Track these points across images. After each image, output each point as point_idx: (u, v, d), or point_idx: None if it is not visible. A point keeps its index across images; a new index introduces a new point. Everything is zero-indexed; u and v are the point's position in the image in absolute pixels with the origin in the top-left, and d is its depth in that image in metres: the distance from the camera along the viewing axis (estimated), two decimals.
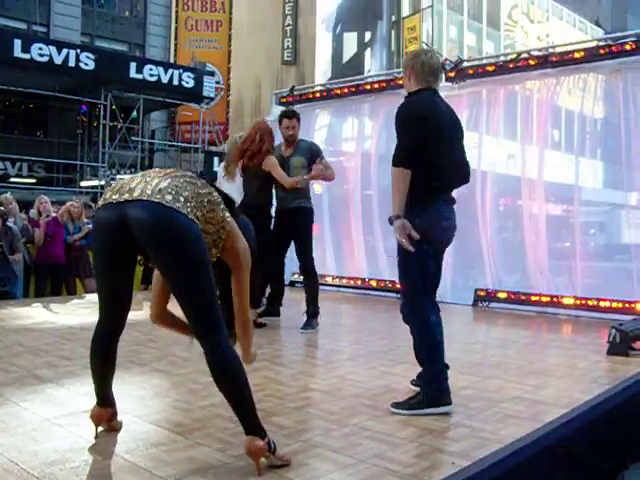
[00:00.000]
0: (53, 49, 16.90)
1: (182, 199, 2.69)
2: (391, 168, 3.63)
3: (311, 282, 6.54)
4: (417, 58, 3.85)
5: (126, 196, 2.72)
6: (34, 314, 6.94)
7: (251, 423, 2.73)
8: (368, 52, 31.42)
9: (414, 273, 3.74)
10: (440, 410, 3.60)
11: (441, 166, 3.70)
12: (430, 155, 3.64)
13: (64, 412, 3.45)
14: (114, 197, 2.75)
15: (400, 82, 8.98)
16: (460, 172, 3.95)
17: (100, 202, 2.83)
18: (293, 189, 6.16)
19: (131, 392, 3.80)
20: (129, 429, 3.18)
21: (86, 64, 17.26)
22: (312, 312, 6.26)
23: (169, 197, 2.67)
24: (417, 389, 3.86)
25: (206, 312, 2.74)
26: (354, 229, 9.47)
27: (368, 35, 31.46)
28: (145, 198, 2.67)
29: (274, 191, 6.43)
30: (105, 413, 3.06)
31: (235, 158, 6.21)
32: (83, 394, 3.65)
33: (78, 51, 17.40)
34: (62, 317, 6.71)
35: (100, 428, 3.07)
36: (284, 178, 6.07)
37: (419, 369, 3.91)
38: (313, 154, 6.37)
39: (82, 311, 7.23)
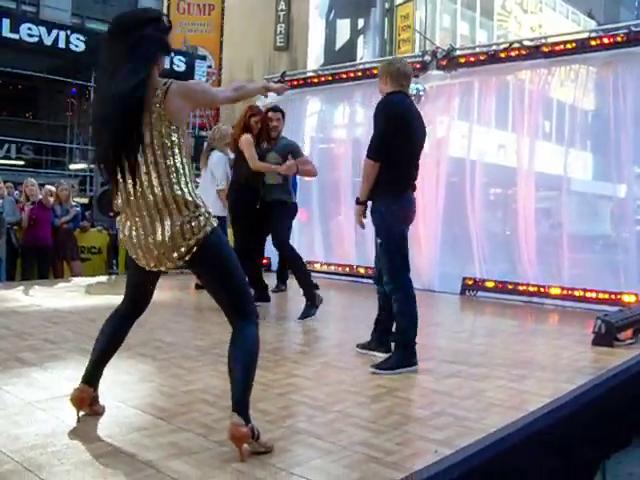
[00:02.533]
0: (43, 30, 16.71)
1: None
2: (364, 158, 4.37)
3: (294, 269, 6.55)
4: (393, 65, 4.59)
5: None
6: (20, 297, 6.91)
7: (243, 404, 2.72)
8: (361, 39, 31.26)
9: (396, 252, 4.41)
10: (412, 369, 4.25)
11: (411, 162, 4.48)
12: (404, 151, 4.38)
13: (47, 396, 3.43)
14: None
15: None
16: (416, 169, 4.61)
17: None
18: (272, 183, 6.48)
19: (115, 377, 3.78)
20: (112, 413, 3.17)
21: (76, 45, 17.09)
22: (307, 298, 6.18)
23: None
24: (362, 351, 4.69)
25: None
26: (344, 216, 9.45)
27: (361, 22, 31.29)
28: None
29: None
30: (86, 395, 3.04)
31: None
32: (66, 378, 3.63)
33: (68, 32, 17.21)
34: (48, 300, 6.67)
35: (82, 412, 3.06)
36: (253, 159, 6.28)
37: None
38: (287, 152, 6.43)
39: (69, 294, 7.21)
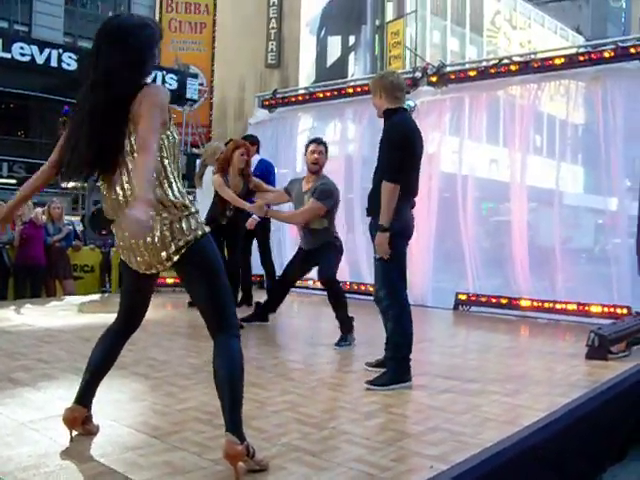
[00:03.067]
0: (35, 48, 16.75)
1: None
2: (384, 183, 4.24)
3: (337, 303, 5.95)
4: (386, 79, 4.57)
5: None
6: (12, 316, 6.87)
7: (236, 421, 2.69)
8: (352, 56, 31.48)
9: (395, 268, 4.38)
10: (405, 385, 4.23)
11: (414, 180, 4.50)
12: (408, 171, 4.37)
13: (40, 416, 3.40)
14: None
15: None
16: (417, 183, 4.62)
17: None
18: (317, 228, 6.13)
19: (108, 396, 3.75)
20: (105, 433, 3.15)
21: (68, 64, 17.12)
22: (342, 324, 5.82)
23: None
24: (372, 369, 4.56)
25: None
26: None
27: (352, 39, 31.52)
28: None
29: None
30: (79, 415, 3.01)
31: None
32: (60, 398, 3.60)
33: (60, 51, 17.26)
34: (41, 319, 6.63)
35: (75, 432, 3.04)
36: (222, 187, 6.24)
37: None
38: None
39: (61, 313, 7.17)
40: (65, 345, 5.35)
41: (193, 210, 2.82)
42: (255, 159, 7.86)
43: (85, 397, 3.05)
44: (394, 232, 4.27)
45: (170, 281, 9.18)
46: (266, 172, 7.83)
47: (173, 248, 2.76)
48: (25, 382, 4.10)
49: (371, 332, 5.54)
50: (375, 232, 4.32)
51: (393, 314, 4.37)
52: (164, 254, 2.77)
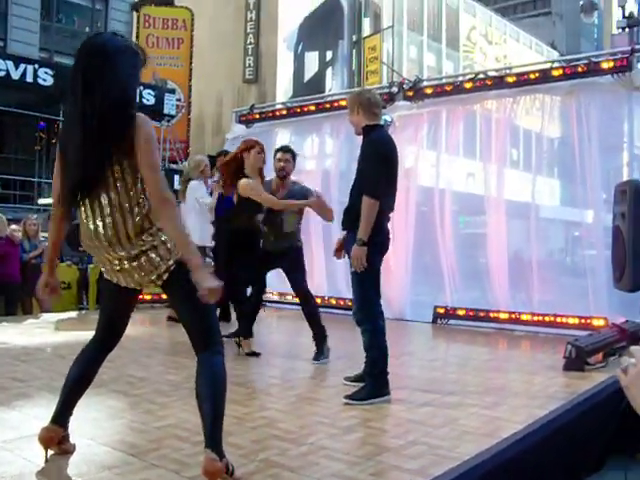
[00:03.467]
0: (10, 64, 16.61)
1: None
2: (365, 198, 4.26)
3: (314, 316, 5.98)
4: (363, 95, 4.65)
5: None
6: None
7: (216, 438, 2.69)
8: (329, 71, 31.61)
9: (370, 283, 4.40)
10: (383, 399, 4.23)
11: (391, 196, 4.55)
12: (384, 184, 4.40)
13: (15, 436, 3.36)
14: None
15: None
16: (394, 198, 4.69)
17: None
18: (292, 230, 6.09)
19: (86, 414, 3.71)
20: (82, 452, 3.11)
21: (44, 80, 16.99)
22: (318, 338, 5.81)
23: None
24: (351, 384, 4.54)
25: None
26: (314, 247, 9.45)
27: (329, 54, 31.67)
28: None
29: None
30: (55, 434, 2.98)
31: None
32: (35, 417, 3.56)
33: (36, 66, 17.12)
34: (16, 337, 6.55)
35: (51, 452, 3.00)
36: (271, 199, 5.92)
37: None
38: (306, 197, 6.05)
39: (37, 331, 7.10)
40: (41, 363, 5.29)
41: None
42: None
43: (62, 416, 3.01)
44: (373, 247, 4.30)
45: (148, 297, 9.13)
46: None
47: (163, 268, 2.78)
48: (0, 401, 4.05)
49: (350, 347, 5.54)
50: (351, 246, 4.33)
51: (367, 328, 4.37)
52: (154, 275, 2.79)
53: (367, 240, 4.26)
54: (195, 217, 7.36)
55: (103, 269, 2.95)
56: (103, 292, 3.11)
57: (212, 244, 7.46)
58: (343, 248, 4.73)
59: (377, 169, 4.37)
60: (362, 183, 4.40)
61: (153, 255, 2.77)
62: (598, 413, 4.31)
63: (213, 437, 2.68)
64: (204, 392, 2.74)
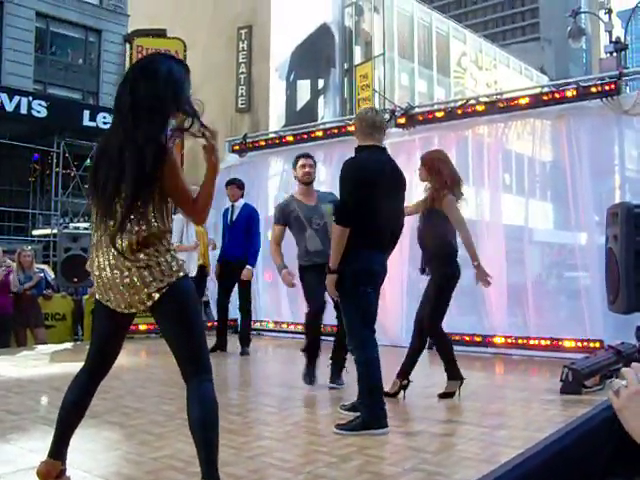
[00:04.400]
0: (4, 96, 16.76)
1: None
2: (333, 225, 4.18)
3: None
4: (364, 114, 4.50)
5: None
6: None
7: (211, 466, 2.67)
8: (321, 99, 31.86)
9: (354, 312, 4.24)
10: (378, 432, 4.02)
11: (375, 224, 4.21)
12: (367, 214, 4.16)
13: (11, 469, 3.33)
14: None
15: (351, 129, 9.12)
16: (391, 229, 4.43)
17: None
18: None
19: (81, 445, 3.68)
20: None
21: (38, 111, 17.13)
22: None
23: None
24: (347, 413, 4.41)
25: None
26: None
27: (321, 82, 31.94)
28: None
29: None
30: (53, 469, 2.94)
31: None
32: (30, 450, 3.54)
33: (30, 98, 17.27)
34: (10, 369, 6.52)
35: None
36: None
37: None
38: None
39: (32, 363, 7.06)
40: (35, 395, 5.26)
41: (175, 254, 2.87)
42: (240, 203, 7.88)
43: (59, 450, 2.98)
44: (350, 275, 4.16)
45: (143, 327, 9.10)
46: (250, 218, 7.84)
47: (154, 287, 2.77)
48: None
49: (347, 375, 5.51)
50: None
51: (356, 360, 4.23)
52: (144, 295, 2.78)
53: (335, 268, 4.17)
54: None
55: (96, 285, 2.93)
56: (95, 318, 3.08)
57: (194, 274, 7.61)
58: None
59: (348, 194, 4.20)
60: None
61: (146, 273, 2.76)
62: (595, 436, 4.29)
63: (208, 466, 2.66)
64: (195, 421, 2.71)
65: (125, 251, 2.75)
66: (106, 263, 2.82)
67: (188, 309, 2.83)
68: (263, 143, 10.46)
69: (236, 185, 7.97)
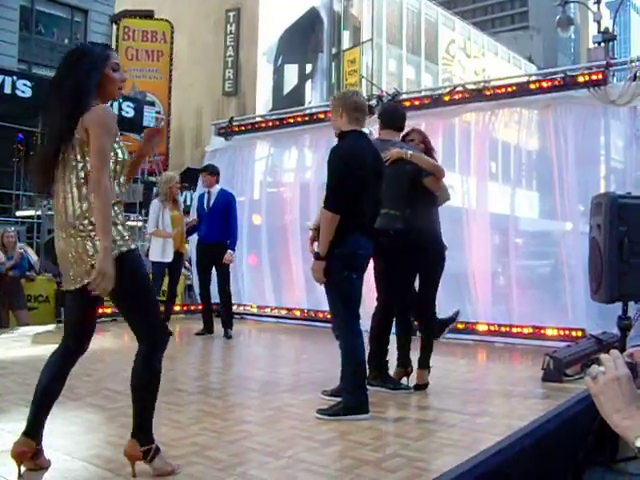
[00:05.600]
0: None
1: None
2: (322, 210, 4.14)
3: None
4: (350, 98, 4.37)
5: None
6: None
7: (139, 428, 2.96)
8: (309, 84, 31.76)
9: (339, 297, 4.25)
10: (360, 417, 4.03)
11: (360, 208, 4.22)
12: (352, 198, 4.16)
13: None
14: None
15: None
16: (371, 215, 4.40)
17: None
18: None
19: (62, 428, 3.68)
20: (57, 467, 3.07)
21: (23, 91, 16.87)
22: None
23: None
24: (329, 398, 4.42)
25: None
26: (293, 260, 9.45)
27: (309, 67, 31.83)
28: None
29: None
30: (28, 449, 2.92)
31: None
32: (9, 431, 3.51)
33: (15, 78, 17.01)
34: None
35: (25, 467, 2.95)
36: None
37: None
38: None
39: (14, 344, 7.02)
40: (17, 377, 5.22)
41: (120, 229, 2.92)
42: (215, 189, 7.90)
43: (34, 429, 2.97)
44: (336, 259, 4.14)
45: None
46: (227, 203, 7.87)
47: (95, 260, 2.81)
48: None
49: (329, 360, 5.52)
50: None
51: (342, 344, 4.24)
52: (87, 265, 2.83)
53: (324, 254, 4.14)
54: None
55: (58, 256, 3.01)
56: (66, 295, 3.13)
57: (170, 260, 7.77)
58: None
59: (337, 181, 4.18)
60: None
61: (89, 244, 2.83)
62: (576, 424, 4.33)
63: (137, 427, 2.96)
64: (134, 385, 2.97)
65: (73, 217, 2.88)
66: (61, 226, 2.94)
67: (132, 283, 2.93)
68: (250, 127, 10.42)
69: (208, 172, 8.06)
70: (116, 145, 2.97)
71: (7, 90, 16.64)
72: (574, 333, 7.06)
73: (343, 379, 4.28)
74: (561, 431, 4.05)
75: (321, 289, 8.82)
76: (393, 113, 5.53)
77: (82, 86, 2.91)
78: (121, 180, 3.03)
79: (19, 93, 16.86)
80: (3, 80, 16.66)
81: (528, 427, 3.83)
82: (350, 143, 4.33)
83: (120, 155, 2.98)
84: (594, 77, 7.24)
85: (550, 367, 5.29)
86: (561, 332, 7.23)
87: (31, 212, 18.91)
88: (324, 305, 8.86)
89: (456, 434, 3.79)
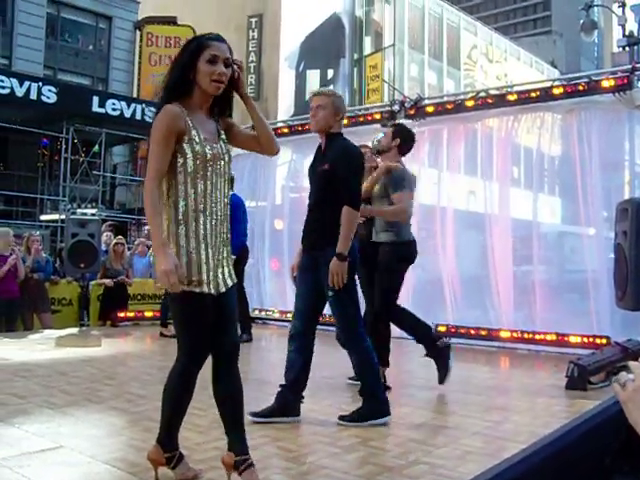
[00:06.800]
0: (15, 81, 16.72)
1: None
2: (348, 210, 3.99)
3: None
4: (341, 100, 4.35)
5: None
6: None
7: (161, 433, 2.99)
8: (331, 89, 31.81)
9: (350, 304, 4.18)
10: (380, 421, 4.06)
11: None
12: None
13: (14, 453, 3.34)
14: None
15: (361, 119, 9.09)
16: None
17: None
18: None
19: (85, 431, 3.71)
20: (82, 470, 3.10)
21: (48, 97, 17.09)
22: None
23: None
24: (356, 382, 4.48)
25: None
26: (287, 265, 9.44)
27: (331, 72, 31.86)
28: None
29: None
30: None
31: None
32: (34, 433, 3.55)
33: (40, 84, 17.23)
34: (16, 353, 6.54)
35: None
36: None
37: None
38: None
39: (38, 347, 7.08)
40: (41, 380, 5.27)
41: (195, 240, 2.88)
42: None
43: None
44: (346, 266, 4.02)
45: (149, 314, 9.12)
46: (235, 206, 7.83)
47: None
48: None
49: (349, 365, 5.50)
50: (326, 264, 4.02)
51: (353, 350, 4.23)
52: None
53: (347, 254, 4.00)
54: None
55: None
56: (200, 309, 2.94)
57: None
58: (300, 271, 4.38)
59: (356, 179, 4.15)
60: (338, 193, 4.05)
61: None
62: (601, 433, 4.28)
63: (160, 433, 2.99)
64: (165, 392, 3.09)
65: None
66: None
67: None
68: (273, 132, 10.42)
69: None
70: (185, 145, 2.79)
71: (33, 96, 16.85)
72: (598, 340, 6.99)
73: (362, 384, 4.28)
74: (586, 439, 4.01)
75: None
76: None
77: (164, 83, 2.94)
78: (212, 173, 2.85)
79: (44, 99, 17.06)
80: (29, 86, 16.88)
81: (552, 435, 3.78)
82: (354, 145, 4.33)
83: (192, 152, 2.80)
84: (619, 82, 7.17)
85: (574, 375, 5.24)
86: (585, 339, 7.15)
87: (55, 216, 19.11)
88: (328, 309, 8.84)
89: (479, 441, 3.77)
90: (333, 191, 4.08)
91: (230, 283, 2.92)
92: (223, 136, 3.00)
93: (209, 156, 2.83)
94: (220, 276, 2.85)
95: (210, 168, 2.84)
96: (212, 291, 2.79)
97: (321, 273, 4.08)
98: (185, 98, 2.86)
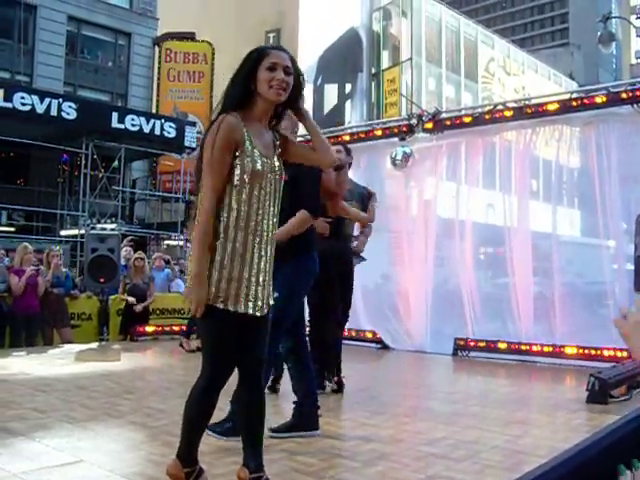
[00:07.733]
0: (35, 98, 16.92)
1: None
2: (304, 212, 4.01)
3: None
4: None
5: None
6: (8, 365, 6.82)
7: (180, 447, 2.94)
8: (348, 103, 31.87)
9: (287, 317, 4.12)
10: (309, 433, 4.10)
11: None
12: None
13: (34, 467, 3.35)
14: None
15: (379, 133, 9.11)
16: None
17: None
18: None
19: (105, 445, 3.72)
20: None
21: (68, 113, 17.27)
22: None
23: None
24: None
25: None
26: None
27: (349, 87, 31.96)
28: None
29: None
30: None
31: None
32: (54, 448, 3.56)
33: (60, 100, 17.42)
34: (37, 368, 6.59)
35: None
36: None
37: (399, 419, 4.03)
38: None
39: (58, 362, 7.12)
40: (61, 394, 5.30)
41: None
42: None
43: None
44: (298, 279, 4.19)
45: (176, 328, 9.15)
46: None
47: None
48: (19, 432, 4.04)
49: (372, 379, 5.50)
50: (285, 271, 3.88)
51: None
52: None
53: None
54: None
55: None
56: (229, 327, 2.88)
57: None
58: None
59: (317, 189, 4.19)
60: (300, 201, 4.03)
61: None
62: (623, 447, 4.23)
63: (180, 447, 2.96)
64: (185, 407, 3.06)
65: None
66: None
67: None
68: None
69: None
70: (237, 158, 2.72)
71: (53, 112, 17.03)
72: (619, 354, 6.92)
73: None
74: (608, 453, 3.97)
75: (360, 308, 8.83)
76: None
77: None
78: (260, 189, 2.75)
79: (64, 115, 17.24)
80: (50, 102, 17.08)
81: (572, 450, 3.74)
82: None
83: (242, 165, 2.72)
84: (638, 93, 7.14)
85: (595, 388, 5.19)
86: (605, 352, 7.09)
87: (74, 231, 19.26)
88: (364, 324, 8.86)
89: (498, 455, 3.74)
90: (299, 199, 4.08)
91: (267, 305, 2.85)
92: (279, 150, 2.91)
93: (259, 171, 2.73)
94: (254, 294, 2.76)
95: (258, 184, 2.74)
96: (240, 310, 2.73)
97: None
98: (245, 109, 2.79)
